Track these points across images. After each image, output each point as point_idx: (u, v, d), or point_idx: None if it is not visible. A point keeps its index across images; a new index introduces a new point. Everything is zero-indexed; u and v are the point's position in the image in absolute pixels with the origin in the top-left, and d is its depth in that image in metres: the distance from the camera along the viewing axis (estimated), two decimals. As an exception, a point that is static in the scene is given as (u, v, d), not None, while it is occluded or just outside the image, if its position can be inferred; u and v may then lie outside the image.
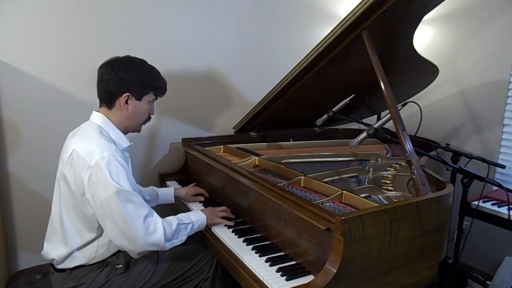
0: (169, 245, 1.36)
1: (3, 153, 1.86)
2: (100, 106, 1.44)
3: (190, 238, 1.46)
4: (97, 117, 1.41)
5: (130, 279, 1.41)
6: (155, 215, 1.35)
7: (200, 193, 1.86)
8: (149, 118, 1.51)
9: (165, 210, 1.82)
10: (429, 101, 2.68)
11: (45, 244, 1.43)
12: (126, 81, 1.36)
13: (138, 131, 1.52)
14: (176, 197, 1.85)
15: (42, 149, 1.90)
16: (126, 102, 1.39)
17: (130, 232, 1.27)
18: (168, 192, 1.85)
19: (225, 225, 1.54)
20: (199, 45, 2.29)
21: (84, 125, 1.42)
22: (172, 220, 1.40)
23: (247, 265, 1.26)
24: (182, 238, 1.41)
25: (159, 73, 1.47)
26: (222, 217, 1.56)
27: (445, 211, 1.31)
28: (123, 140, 1.44)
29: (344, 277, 1.06)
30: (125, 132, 1.47)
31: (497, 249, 2.31)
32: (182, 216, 1.46)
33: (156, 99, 1.49)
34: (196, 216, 1.48)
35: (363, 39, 1.56)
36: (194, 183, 1.97)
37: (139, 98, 1.41)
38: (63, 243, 1.37)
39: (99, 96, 1.42)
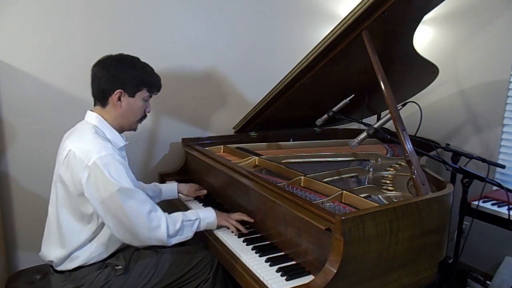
0: (172, 241, 1.37)
1: (3, 153, 1.86)
2: (95, 105, 1.44)
3: (190, 239, 1.45)
4: (92, 117, 1.40)
5: (129, 280, 1.40)
6: (159, 210, 1.36)
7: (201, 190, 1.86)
8: (144, 116, 1.50)
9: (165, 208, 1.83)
10: (429, 101, 2.68)
11: (43, 246, 1.43)
12: (118, 77, 1.36)
13: (134, 129, 1.51)
14: (178, 192, 1.85)
15: (42, 149, 1.90)
16: (119, 99, 1.39)
17: (133, 228, 1.29)
18: (171, 188, 1.85)
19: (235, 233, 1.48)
20: (199, 45, 2.29)
21: (79, 126, 1.42)
22: (178, 216, 1.39)
23: (247, 265, 1.26)
24: (188, 234, 1.41)
25: (152, 69, 1.46)
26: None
27: (445, 211, 1.31)
28: (119, 139, 1.44)
29: (344, 277, 1.06)
30: (120, 131, 1.46)
31: (497, 249, 2.31)
32: (189, 212, 1.46)
33: (150, 96, 1.48)
34: (205, 213, 1.48)
35: (363, 39, 1.56)
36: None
37: (132, 95, 1.41)
38: (60, 244, 1.36)
39: (93, 95, 1.42)
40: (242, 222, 1.51)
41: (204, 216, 1.46)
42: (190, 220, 1.42)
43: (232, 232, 1.48)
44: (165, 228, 1.32)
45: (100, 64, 1.38)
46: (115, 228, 1.31)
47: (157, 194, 1.81)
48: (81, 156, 1.27)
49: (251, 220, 1.51)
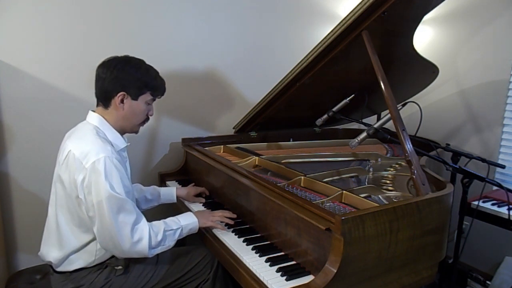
0: (153, 253, 1.35)
1: (3, 153, 1.85)
2: (97, 105, 1.43)
3: (190, 239, 1.45)
4: (94, 117, 1.40)
5: (129, 280, 1.41)
6: (143, 222, 1.33)
7: (201, 192, 1.86)
8: (147, 119, 1.49)
9: (165, 210, 1.83)
10: (429, 101, 2.68)
11: (42, 246, 1.42)
12: (121, 80, 1.35)
13: (136, 132, 1.50)
14: (177, 197, 1.85)
15: (42, 149, 1.90)
16: (122, 101, 1.38)
17: (116, 238, 1.27)
18: (170, 192, 1.84)
19: (226, 225, 1.52)
20: (199, 45, 2.29)
21: (80, 126, 1.41)
22: (160, 227, 1.37)
23: (247, 265, 1.26)
24: (169, 244, 1.40)
25: (157, 72, 1.45)
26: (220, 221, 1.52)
27: (445, 211, 1.31)
28: (120, 141, 1.43)
29: (344, 277, 1.06)
30: (121, 132, 1.45)
31: (497, 249, 2.31)
32: (171, 220, 1.44)
33: (154, 99, 1.47)
34: (186, 220, 1.46)
35: (363, 39, 1.56)
36: (193, 184, 1.97)
37: (135, 98, 1.40)
38: (58, 246, 1.36)
39: (96, 96, 1.42)
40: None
41: (186, 223, 1.45)
42: (172, 230, 1.40)
43: (231, 230, 1.48)
44: (147, 241, 1.31)
45: (105, 65, 1.37)
46: (99, 234, 1.30)
47: (156, 198, 1.80)
48: (80, 157, 1.26)
49: (234, 216, 1.54)
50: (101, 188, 1.24)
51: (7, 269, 1.91)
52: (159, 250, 1.37)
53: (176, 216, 1.48)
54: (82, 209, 1.31)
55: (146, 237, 1.31)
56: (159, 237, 1.35)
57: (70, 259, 1.36)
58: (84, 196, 1.27)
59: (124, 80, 1.36)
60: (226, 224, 1.53)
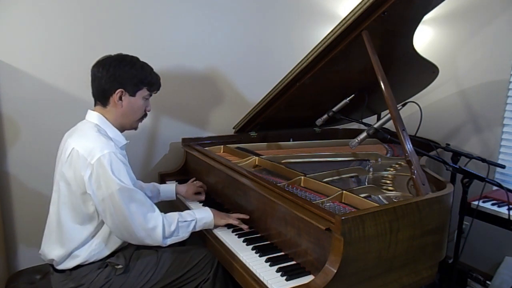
0: (167, 242, 1.39)
1: (3, 152, 1.86)
2: (95, 105, 1.45)
3: (190, 239, 1.46)
4: (93, 116, 1.42)
5: (130, 279, 1.41)
6: (156, 211, 1.38)
7: (200, 187, 1.86)
8: (145, 115, 1.52)
9: (164, 207, 1.83)
10: (429, 101, 2.68)
11: (43, 244, 1.43)
12: (118, 77, 1.38)
13: (135, 128, 1.53)
14: (176, 194, 1.85)
15: (42, 149, 1.90)
16: (120, 98, 1.40)
17: (130, 228, 1.31)
18: (170, 189, 1.85)
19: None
20: (199, 45, 2.29)
21: (80, 125, 1.43)
22: (174, 217, 1.41)
23: (247, 264, 1.26)
24: (183, 235, 1.43)
25: (151, 68, 1.48)
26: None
27: (445, 211, 1.31)
28: (120, 138, 1.46)
29: (344, 277, 1.06)
30: (121, 129, 1.48)
31: (497, 249, 2.31)
32: (186, 213, 1.47)
33: (150, 95, 1.49)
34: (202, 214, 1.49)
35: (363, 39, 1.56)
36: (194, 178, 1.97)
37: (133, 94, 1.42)
38: (60, 243, 1.37)
39: (94, 95, 1.44)
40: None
41: (200, 216, 1.48)
42: (186, 221, 1.44)
43: (231, 230, 1.48)
44: (161, 229, 1.35)
45: (100, 64, 1.40)
46: (113, 226, 1.33)
47: (156, 195, 1.82)
48: (84, 154, 1.28)
49: (247, 217, 1.52)
50: (110, 181, 1.27)
51: (7, 269, 1.91)
52: (172, 240, 1.41)
53: (192, 210, 1.52)
54: (87, 205, 1.33)
55: (160, 226, 1.35)
56: (173, 227, 1.39)
57: (71, 256, 1.37)
58: (93, 191, 1.29)
59: (121, 78, 1.38)
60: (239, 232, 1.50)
